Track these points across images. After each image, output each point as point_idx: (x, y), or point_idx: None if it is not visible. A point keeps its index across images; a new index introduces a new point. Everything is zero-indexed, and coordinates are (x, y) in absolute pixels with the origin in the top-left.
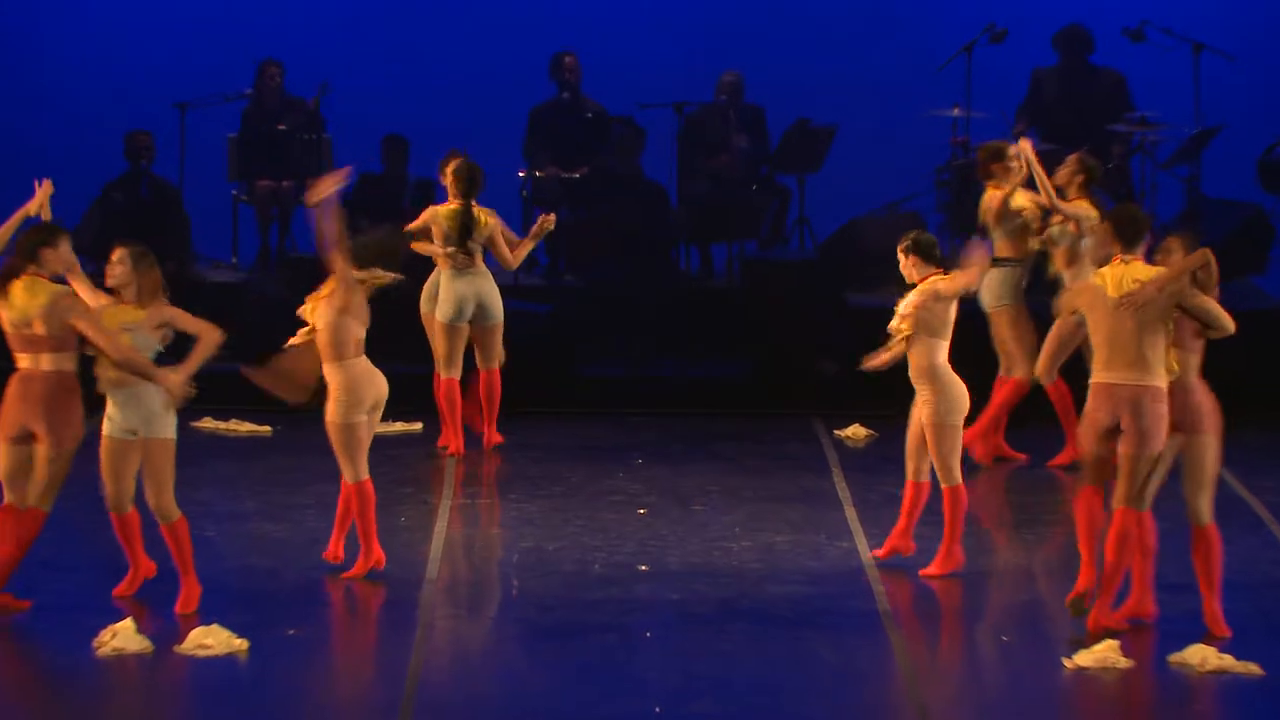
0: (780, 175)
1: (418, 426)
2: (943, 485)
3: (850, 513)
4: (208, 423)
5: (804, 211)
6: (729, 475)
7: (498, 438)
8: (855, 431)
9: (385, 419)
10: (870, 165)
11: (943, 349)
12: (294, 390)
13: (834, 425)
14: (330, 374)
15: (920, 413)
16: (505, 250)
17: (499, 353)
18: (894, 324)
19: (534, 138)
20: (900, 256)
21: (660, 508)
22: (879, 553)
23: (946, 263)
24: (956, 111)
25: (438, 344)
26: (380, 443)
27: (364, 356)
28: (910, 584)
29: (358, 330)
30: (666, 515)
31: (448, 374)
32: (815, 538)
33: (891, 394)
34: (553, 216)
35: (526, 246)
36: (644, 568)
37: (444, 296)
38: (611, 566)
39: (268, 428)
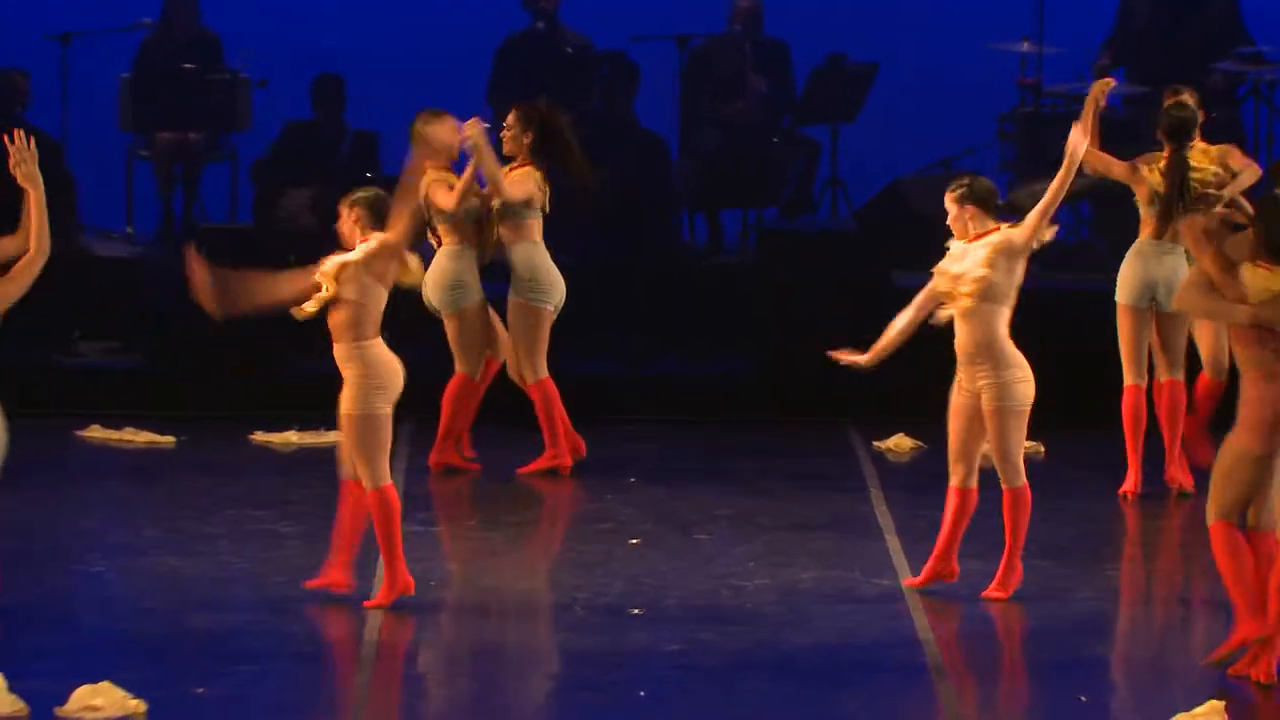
0: (807, 126)
1: None
2: (1005, 486)
3: (892, 543)
4: (96, 431)
5: (836, 171)
6: (742, 497)
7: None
8: (899, 443)
9: (316, 427)
10: (918, 113)
11: (1005, 318)
12: (217, 301)
13: (873, 435)
14: (348, 356)
15: (971, 399)
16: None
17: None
18: (957, 287)
19: (501, 78)
20: (951, 207)
21: (657, 537)
22: (915, 581)
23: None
24: (1025, 46)
25: (540, 339)
26: (310, 458)
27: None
28: (965, 628)
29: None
30: (665, 546)
31: (544, 373)
32: (849, 574)
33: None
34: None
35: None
36: (637, 611)
37: (545, 277)
38: (597, 610)
39: (170, 438)
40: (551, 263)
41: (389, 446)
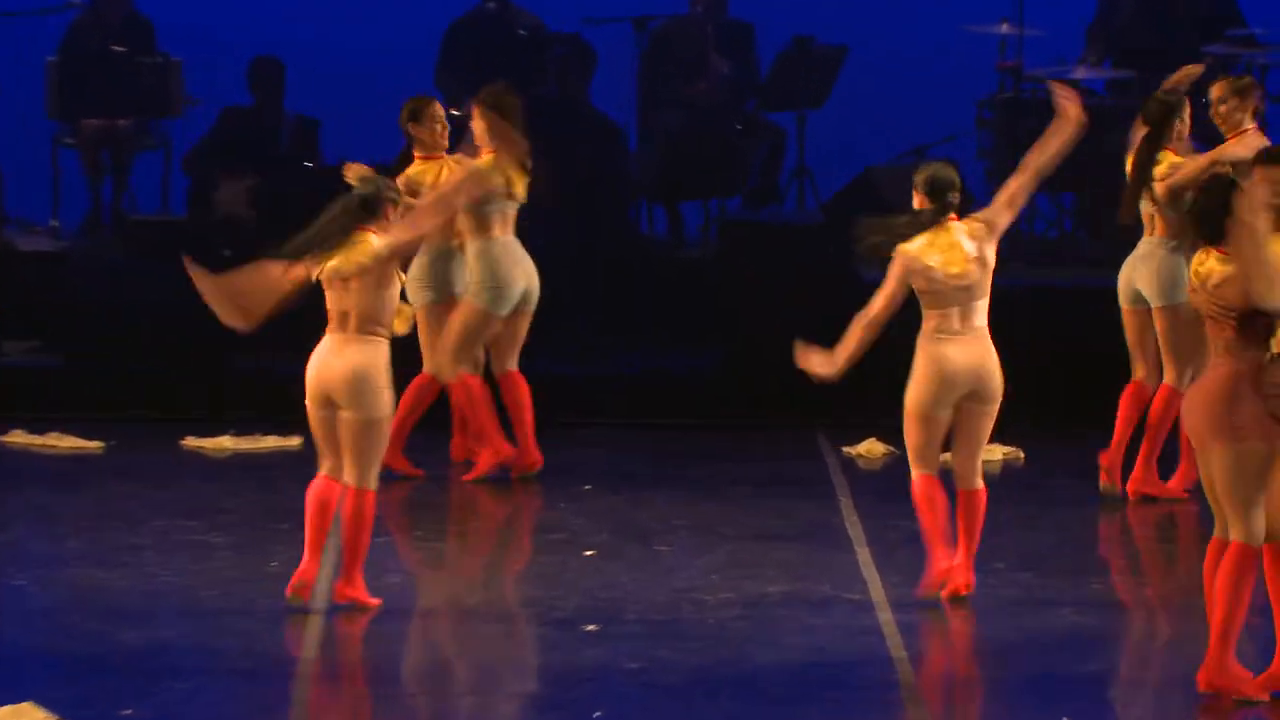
0: (772, 112)
1: (295, 442)
2: (978, 487)
3: (863, 555)
4: (19, 437)
5: (803, 160)
6: (704, 505)
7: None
8: (871, 448)
9: (251, 432)
10: (890, 99)
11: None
12: (238, 311)
13: (843, 440)
14: (362, 353)
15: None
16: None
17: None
18: (960, 269)
19: (450, 61)
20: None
21: (614, 548)
22: (924, 590)
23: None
24: (1005, 28)
25: (468, 334)
26: (245, 464)
27: None
28: (940, 644)
29: None
30: (622, 558)
31: (465, 368)
32: (818, 587)
33: None
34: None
35: None
36: (592, 628)
37: (488, 277)
38: (550, 625)
39: (98, 443)
40: (511, 262)
41: None
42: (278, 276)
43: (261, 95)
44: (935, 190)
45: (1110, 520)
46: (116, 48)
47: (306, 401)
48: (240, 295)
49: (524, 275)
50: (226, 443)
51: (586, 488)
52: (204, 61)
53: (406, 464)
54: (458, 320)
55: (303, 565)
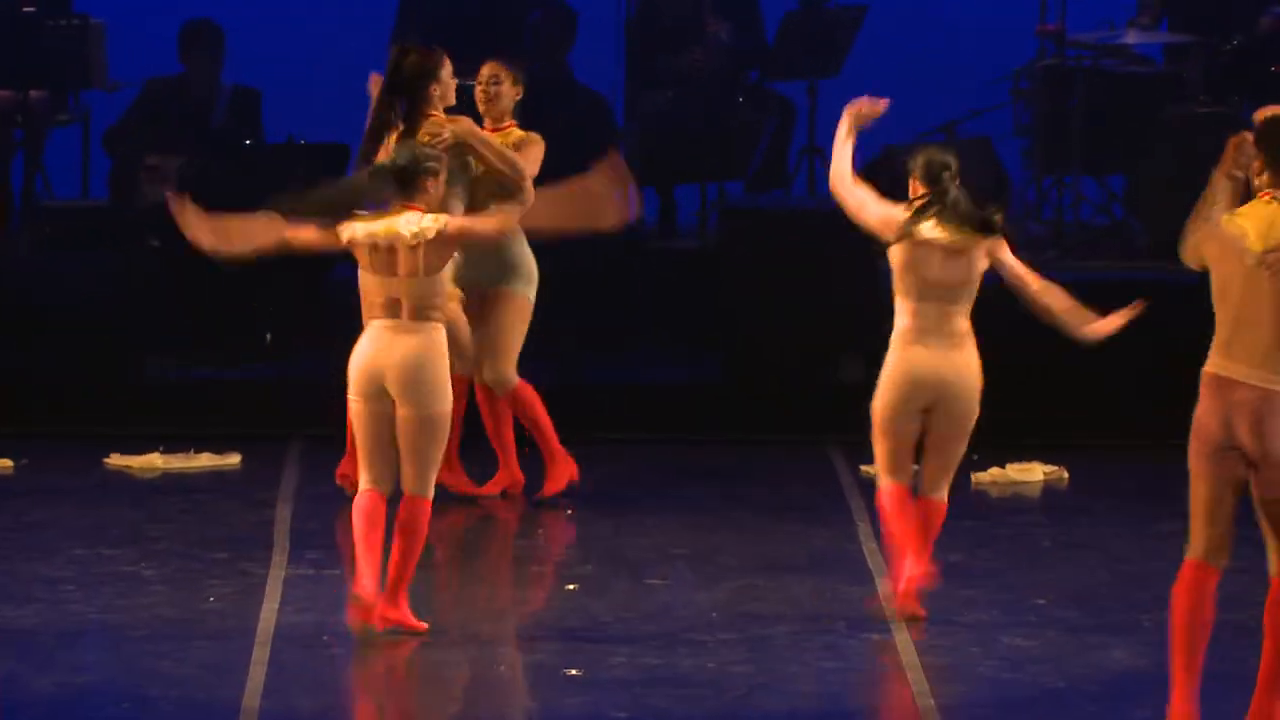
0: (780, 82)
1: (233, 460)
2: (943, 497)
3: (884, 588)
4: None
5: (814, 137)
6: (704, 532)
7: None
8: None
9: (187, 448)
10: (914, 67)
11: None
12: (211, 234)
13: (860, 457)
14: (425, 339)
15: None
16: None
17: None
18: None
19: (407, 26)
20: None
21: (600, 581)
22: (896, 596)
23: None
24: None
25: (520, 335)
26: (177, 486)
27: None
28: (972, 693)
29: None
30: (610, 592)
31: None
32: (832, 626)
33: None
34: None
35: None
36: (575, 672)
37: (527, 266)
38: (527, 670)
39: (7, 461)
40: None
41: None
42: (276, 230)
43: (194, 64)
44: (931, 175)
45: (1167, 549)
46: (26, 8)
47: (352, 396)
48: (227, 230)
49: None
50: (156, 461)
51: (569, 512)
52: (129, 25)
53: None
54: (515, 318)
55: (365, 592)
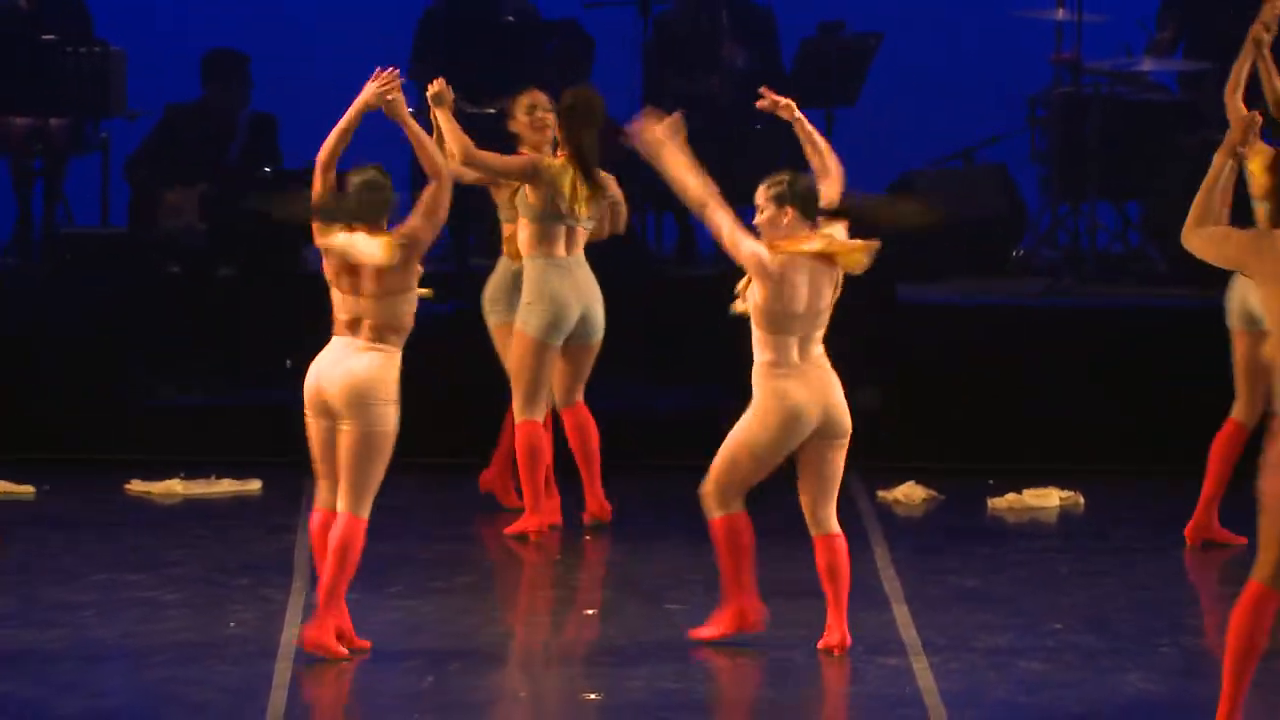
0: (798, 108)
1: (254, 486)
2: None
3: (901, 613)
4: None
5: None
6: None
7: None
8: (909, 492)
9: (208, 475)
10: (931, 94)
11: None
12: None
13: (878, 483)
14: (375, 362)
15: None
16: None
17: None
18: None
19: (426, 53)
20: (768, 207)
21: (618, 606)
22: (708, 632)
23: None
24: (1060, 14)
25: (524, 369)
26: (198, 512)
27: None
28: (992, 717)
29: None
30: (627, 617)
31: (530, 415)
32: (849, 650)
33: (963, 438)
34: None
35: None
36: (593, 697)
37: (537, 298)
38: (546, 693)
39: (29, 488)
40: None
41: None
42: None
43: (217, 91)
44: (808, 203)
45: (1184, 574)
46: (47, 36)
47: (305, 411)
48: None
49: (579, 300)
50: (176, 487)
51: (586, 538)
52: (149, 52)
53: (516, 497)
54: (514, 357)
55: (324, 617)
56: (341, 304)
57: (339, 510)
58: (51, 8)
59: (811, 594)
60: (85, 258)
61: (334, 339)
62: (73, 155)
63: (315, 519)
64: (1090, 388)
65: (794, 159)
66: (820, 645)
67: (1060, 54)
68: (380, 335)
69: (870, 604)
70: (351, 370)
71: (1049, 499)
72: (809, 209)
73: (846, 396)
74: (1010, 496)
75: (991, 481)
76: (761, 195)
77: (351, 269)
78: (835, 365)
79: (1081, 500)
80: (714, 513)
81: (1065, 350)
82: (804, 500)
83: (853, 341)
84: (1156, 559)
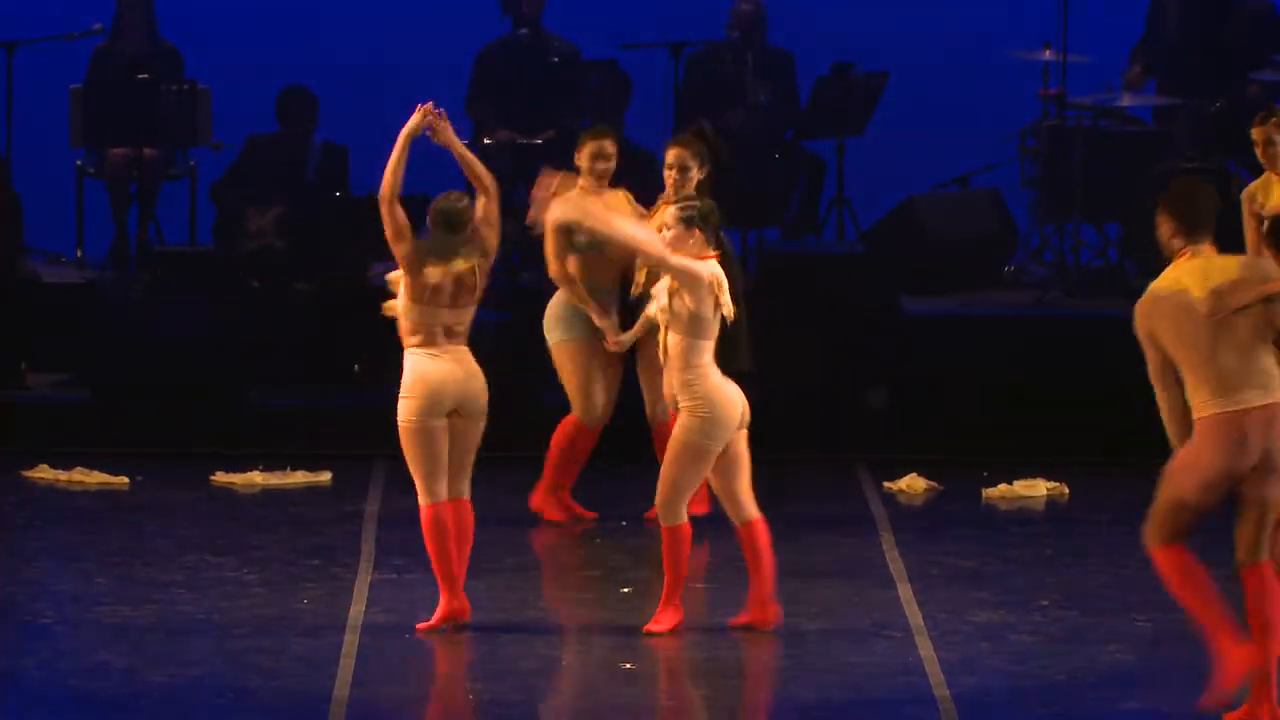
0: (812, 140)
1: (325, 477)
2: (663, 524)
3: (904, 591)
4: (44, 472)
5: (843, 189)
6: None
7: None
8: (912, 483)
9: (284, 467)
10: (932, 127)
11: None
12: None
13: (884, 475)
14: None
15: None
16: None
17: None
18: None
19: (479, 90)
20: (679, 227)
21: (651, 584)
22: (735, 621)
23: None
24: (1048, 54)
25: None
26: (275, 500)
27: None
28: (985, 683)
29: None
30: (659, 595)
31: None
32: (858, 624)
33: (961, 434)
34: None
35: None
36: (628, 666)
37: (553, 317)
38: (584, 664)
39: (124, 479)
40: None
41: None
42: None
43: (290, 125)
44: (709, 224)
45: None
46: (142, 75)
47: (423, 418)
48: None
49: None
50: (256, 478)
51: (623, 523)
52: (233, 88)
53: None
54: (560, 365)
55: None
56: (434, 317)
57: (465, 497)
58: (147, 50)
59: (823, 575)
60: (175, 273)
61: (427, 349)
62: (165, 181)
63: (439, 510)
64: (1074, 389)
65: (808, 186)
66: (742, 621)
67: (1048, 90)
68: (467, 339)
69: (877, 583)
70: (478, 373)
71: (1037, 489)
72: (710, 230)
73: (859, 397)
74: (1002, 487)
75: (986, 473)
76: (671, 216)
77: (457, 285)
78: (846, 370)
79: (1066, 490)
80: (743, 518)
81: (1052, 355)
82: (719, 487)
83: (862, 348)
84: (1132, 542)
